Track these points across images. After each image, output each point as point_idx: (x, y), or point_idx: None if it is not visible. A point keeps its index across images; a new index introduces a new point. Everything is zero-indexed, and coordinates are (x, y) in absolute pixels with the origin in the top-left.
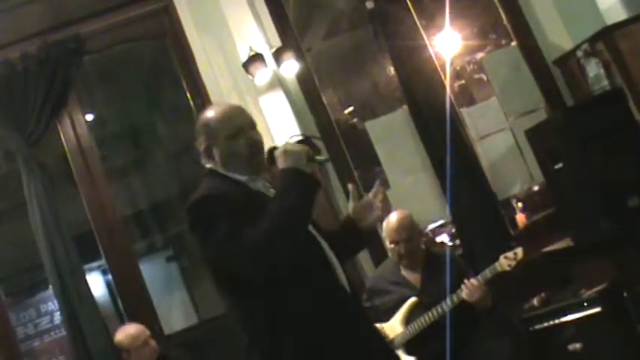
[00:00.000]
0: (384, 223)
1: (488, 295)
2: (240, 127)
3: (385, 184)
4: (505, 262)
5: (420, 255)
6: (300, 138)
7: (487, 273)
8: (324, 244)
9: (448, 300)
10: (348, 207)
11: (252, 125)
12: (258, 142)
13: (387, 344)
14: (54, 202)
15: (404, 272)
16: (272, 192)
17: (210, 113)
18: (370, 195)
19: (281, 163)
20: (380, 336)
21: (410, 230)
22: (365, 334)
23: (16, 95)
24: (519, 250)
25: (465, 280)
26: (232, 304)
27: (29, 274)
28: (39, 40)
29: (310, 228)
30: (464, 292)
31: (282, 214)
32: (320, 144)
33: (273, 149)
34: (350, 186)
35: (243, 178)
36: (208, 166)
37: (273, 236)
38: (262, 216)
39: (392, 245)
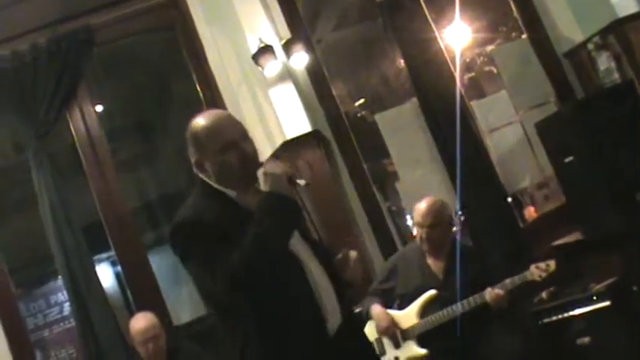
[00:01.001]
0: (416, 208)
1: (507, 299)
2: (231, 140)
3: (395, 177)
4: (536, 272)
5: (447, 245)
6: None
7: (516, 280)
8: (315, 268)
9: (467, 301)
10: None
11: (243, 136)
12: (250, 155)
13: None
14: (63, 194)
15: (429, 260)
16: None
17: (200, 124)
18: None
19: (262, 185)
20: None
21: (435, 217)
22: None
23: (26, 87)
24: (552, 263)
25: (490, 289)
26: (217, 318)
27: (39, 265)
28: (49, 32)
29: (302, 248)
30: (488, 297)
31: (258, 241)
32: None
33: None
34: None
35: (233, 194)
36: (201, 175)
37: (248, 264)
38: (241, 239)
39: (417, 228)
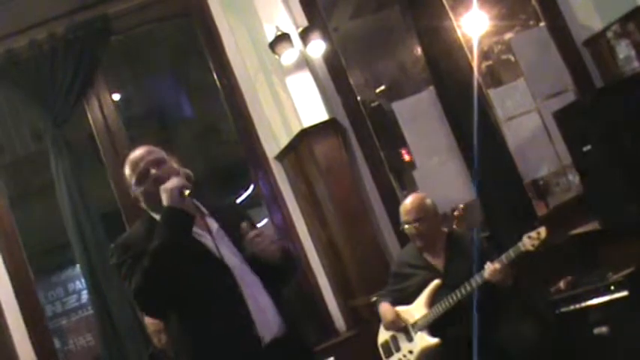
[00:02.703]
0: (400, 208)
1: (510, 275)
2: (142, 171)
3: (412, 165)
4: (528, 241)
5: (441, 238)
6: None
7: (511, 253)
8: (250, 280)
9: (472, 280)
10: None
11: (157, 163)
12: (162, 178)
13: None
14: (81, 182)
15: (426, 256)
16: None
17: (123, 170)
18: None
19: (163, 202)
20: None
21: (420, 212)
22: None
23: (44, 76)
24: (542, 230)
25: (488, 263)
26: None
27: (57, 252)
28: (66, 21)
29: (232, 255)
30: (486, 273)
31: (154, 253)
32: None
33: None
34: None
35: (157, 216)
36: (144, 207)
37: (148, 275)
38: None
39: (406, 226)
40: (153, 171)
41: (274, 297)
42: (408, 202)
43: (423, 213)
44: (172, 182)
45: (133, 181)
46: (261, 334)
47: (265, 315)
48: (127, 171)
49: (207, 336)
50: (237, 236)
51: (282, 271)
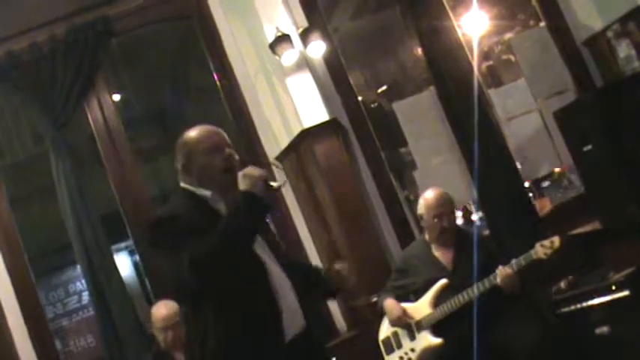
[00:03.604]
0: (421, 200)
1: (519, 282)
2: (217, 143)
3: (412, 166)
4: (541, 250)
5: (452, 235)
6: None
7: (522, 260)
8: (276, 280)
9: (480, 284)
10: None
11: (228, 144)
12: (233, 158)
13: None
14: (82, 184)
15: (435, 252)
16: None
17: (188, 134)
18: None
19: (240, 185)
20: None
21: (446, 207)
22: None
23: (44, 78)
24: (556, 239)
25: (501, 267)
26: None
27: (58, 254)
28: (66, 23)
29: (264, 253)
30: (498, 279)
31: (227, 233)
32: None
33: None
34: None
35: (208, 194)
36: (181, 184)
37: (214, 252)
38: (209, 236)
39: (435, 220)
40: (227, 149)
41: (300, 296)
42: (432, 196)
43: (452, 208)
44: (258, 171)
45: (199, 148)
46: (286, 331)
47: (291, 312)
48: (196, 137)
49: (239, 326)
50: (266, 235)
51: (318, 291)
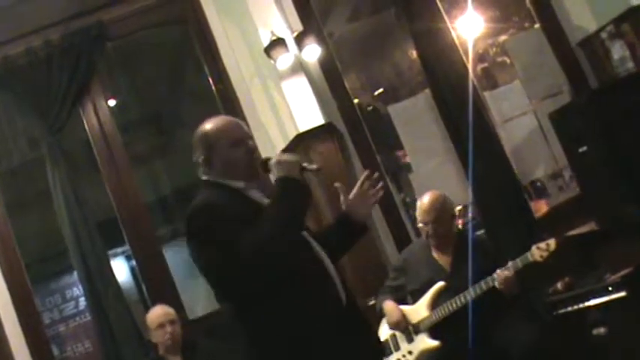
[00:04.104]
0: (418, 203)
1: (517, 284)
2: (240, 136)
3: (408, 168)
4: (537, 252)
5: (452, 237)
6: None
7: (518, 263)
8: (319, 251)
9: (477, 287)
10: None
11: (249, 136)
12: (256, 151)
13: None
14: (78, 189)
15: (435, 254)
16: (266, 201)
17: (209, 126)
18: (358, 185)
19: (275, 173)
20: (373, 345)
21: (440, 212)
22: (356, 344)
23: (40, 83)
24: (552, 242)
25: (499, 271)
26: (231, 309)
27: (54, 260)
28: (62, 28)
29: (305, 235)
30: (497, 282)
31: (276, 220)
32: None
33: (266, 160)
34: (336, 184)
35: (240, 184)
36: (204, 177)
37: (267, 241)
38: (257, 222)
39: (428, 225)
40: (249, 142)
41: (337, 269)
42: (427, 201)
43: (443, 213)
44: (293, 156)
45: (222, 140)
46: (343, 300)
47: (338, 281)
48: (217, 129)
49: (305, 307)
50: None
51: (347, 242)
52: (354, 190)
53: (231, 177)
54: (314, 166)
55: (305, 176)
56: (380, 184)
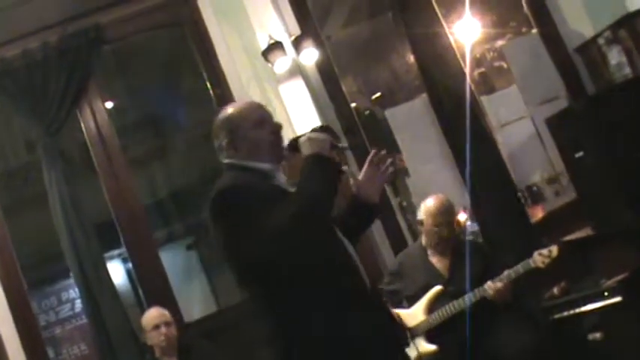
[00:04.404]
0: (423, 206)
1: (510, 293)
2: (263, 116)
3: (405, 172)
4: (539, 258)
5: (450, 243)
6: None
7: (520, 269)
8: (341, 235)
9: (471, 295)
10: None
11: (272, 116)
12: (281, 130)
13: (402, 339)
14: (74, 191)
15: (431, 258)
16: (291, 189)
17: (231, 109)
18: (367, 164)
19: (305, 151)
20: (396, 331)
21: (448, 215)
22: (385, 329)
23: (37, 85)
24: (554, 248)
25: (490, 283)
26: (255, 296)
27: (50, 262)
28: (59, 30)
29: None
30: (488, 292)
31: (307, 198)
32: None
33: (296, 139)
34: (344, 167)
35: (267, 167)
36: (227, 161)
37: (298, 220)
38: (285, 203)
39: (435, 228)
40: (273, 122)
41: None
42: (434, 204)
43: (451, 217)
44: (321, 134)
45: (246, 122)
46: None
47: (360, 265)
48: (241, 111)
49: (335, 290)
50: None
51: (361, 224)
52: (363, 170)
53: (257, 158)
54: (345, 144)
55: (336, 154)
56: (389, 161)
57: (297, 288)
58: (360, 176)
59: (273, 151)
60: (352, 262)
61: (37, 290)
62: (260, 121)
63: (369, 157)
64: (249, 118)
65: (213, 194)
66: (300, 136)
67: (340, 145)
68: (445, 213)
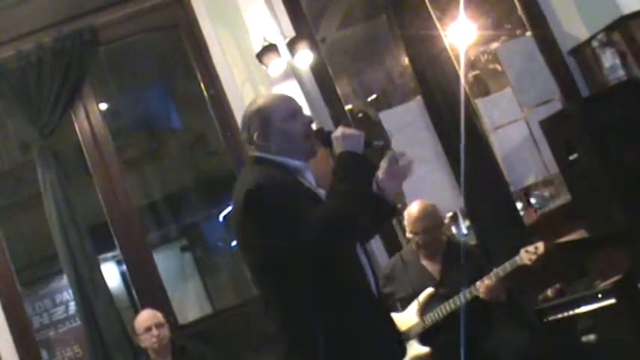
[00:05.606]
0: (405, 213)
1: (503, 290)
2: (295, 109)
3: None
4: (526, 255)
5: (441, 245)
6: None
7: (507, 266)
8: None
9: (462, 296)
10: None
11: (302, 109)
12: (311, 125)
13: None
14: (69, 193)
15: (423, 262)
16: (320, 191)
17: (261, 101)
18: (385, 164)
19: (338, 147)
20: (397, 336)
21: (430, 221)
22: (389, 331)
23: (31, 86)
24: (540, 245)
25: (478, 282)
26: (270, 292)
27: (44, 264)
28: (54, 32)
29: None
30: (479, 291)
31: (343, 197)
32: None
33: (328, 132)
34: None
35: (298, 164)
36: (257, 154)
37: (334, 220)
38: (318, 204)
39: (411, 235)
40: (304, 115)
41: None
42: (415, 211)
43: (430, 223)
44: (354, 131)
45: (277, 114)
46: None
47: (369, 271)
48: (271, 103)
49: (348, 292)
50: None
51: (379, 222)
52: (381, 169)
53: (288, 153)
54: (380, 142)
55: (372, 152)
56: (408, 160)
57: (315, 287)
58: (380, 174)
59: (304, 144)
60: (362, 265)
61: (31, 292)
62: (292, 113)
63: (387, 156)
64: (281, 109)
65: (245, 190)
66: (330, 130)
67: (375, 142)
68: (426, 219)
